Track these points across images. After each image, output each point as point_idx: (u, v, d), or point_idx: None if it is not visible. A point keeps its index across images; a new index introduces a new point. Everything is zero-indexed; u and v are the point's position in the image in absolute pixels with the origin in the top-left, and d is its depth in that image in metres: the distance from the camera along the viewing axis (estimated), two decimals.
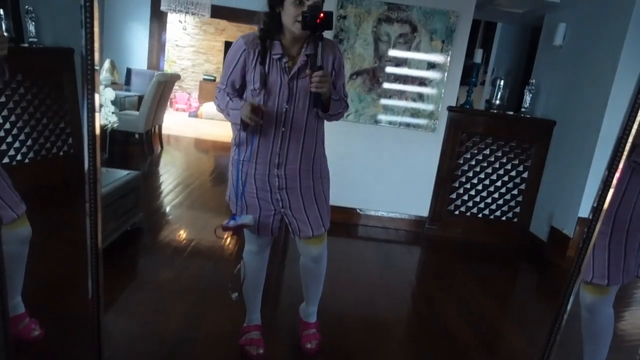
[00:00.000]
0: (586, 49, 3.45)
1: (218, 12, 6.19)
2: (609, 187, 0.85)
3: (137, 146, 5.66)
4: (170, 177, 4.93)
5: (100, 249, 1.24)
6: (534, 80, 3.94)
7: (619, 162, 0.84)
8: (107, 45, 6.55)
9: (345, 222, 3.83)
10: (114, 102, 4.53)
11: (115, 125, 4.59)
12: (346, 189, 3.76)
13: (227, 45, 10.20)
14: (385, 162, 3.81)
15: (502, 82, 3.98)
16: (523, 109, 3.91)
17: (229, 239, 3.13)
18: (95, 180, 1.19)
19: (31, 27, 3.65)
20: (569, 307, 0.89)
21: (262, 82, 1.60)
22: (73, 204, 3.40)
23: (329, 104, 1.64)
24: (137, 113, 5.34)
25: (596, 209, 0.85)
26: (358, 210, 3.91)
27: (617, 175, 0.86)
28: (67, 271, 2.41)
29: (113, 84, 5.73)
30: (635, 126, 0.76)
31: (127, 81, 6.62)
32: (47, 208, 3.27)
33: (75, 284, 2.23)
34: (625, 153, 0.80)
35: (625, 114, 0.78)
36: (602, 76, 3.17)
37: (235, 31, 10.22)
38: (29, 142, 3.61)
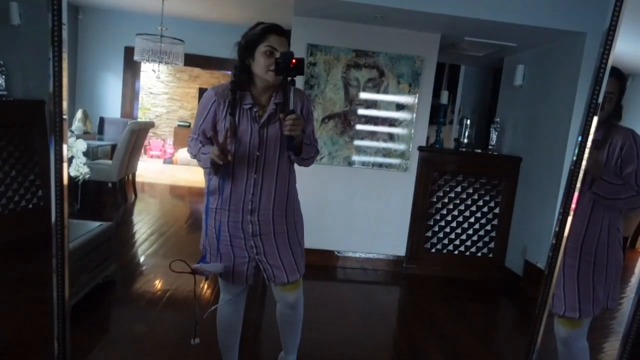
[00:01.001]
0: (545, 88, 3.64)
1: (191, 60, 6.31)
2: (566, 220, 0.89)
3: (110, 195, 5.57)
4: (144, 225, 4.84)
5: (67, 305, 1.21)
6: (498, 119, 4.11)
7: (573, 193, 0.89)
8: (80, 95, 6.55)
9: (323, 264, 3.80)
10: (85, 153, 4.49)
11: (87, 176, 4.53)
12: (323, 231, 3.76)
13: (202, 91, 10.32)
14: (360, 203, 3.85)
15: (468, 121, 4.14)
16: (490, 147, 4.05)
17: (205, 287, 3.06)
18: (62, 232, 1.17)
19: (1, 81, 3.64)
20: (539, 339, 0.91)
21: (233, 131, 1.63)
22: (42, 259, 3.29)
23: (301, 147, 1.68)
24: (110, 162, 5.29)
25: (556, 243, 0.88)
26: (336, 253, 3.90)
27: (573, 205, 0.90)
28: (35, 330, 2.30)
29: (85, 134, 5.69)
30: (585, 156, 0.82)
31: (100, 130, 6.58)
32: (15, 263, 3.15)
33: (44, 343, 2.12)
34: (579, 183, 0.84)
35: (574, 147, 0.83)
36: (561, 113, 3.34)
37: (209, 77, 10.39)
38: None
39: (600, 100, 1.07)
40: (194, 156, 1.74)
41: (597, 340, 2.85)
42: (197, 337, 1.75)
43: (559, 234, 0.91)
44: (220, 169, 1.65)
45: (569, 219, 1.02)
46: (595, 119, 1.12)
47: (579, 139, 1.08)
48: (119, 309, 2.79)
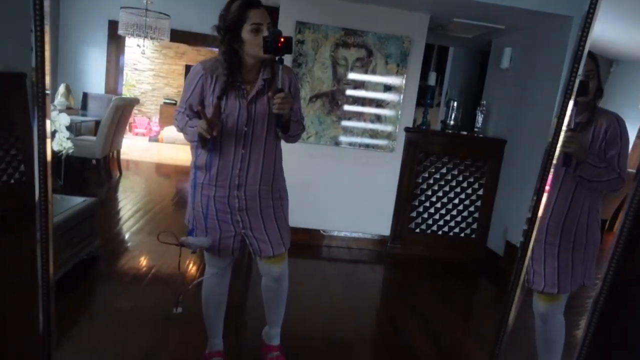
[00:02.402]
0: (530, 71, 3.67)
1: (178, 36, 6.18)
2: (542, 193, 0.91)
3: (94, 172, 5.50)
4: (129, 203, 4.81)
5: (51, 279, 1.21)
6: (484, 102, 4.14)
7: (548, 172, 0.91)
8: (63, 69, 6.40)
9: (308, 243, 3.84)
10: (68, 128, 4.41)
11: (71, 151, 4.46)
12: (309, 210, 3.78)
13: (188, 68, 10.15)
14: (346, 183, 3.87)
15: (455, 104, 4.16)
16: (476, 129, 4.09)
17: (191, 264, 3.07)
18: (46, 208, 1.17)
19: None
20: (512, 312, 0.94)
21: (218, 115, 1.62)
22: (26, 234, 3.26)
23: (289, 125, 1.68)
24: (94, 138, 5.21)
25: (531, 217, 0.91)
26: (321, 231, 3.93)
27: (548, 182, 0.93)
28: (18, 304, 2.30)
29: (68, 109, 5.58)
30: (560, 138, 0.84)
31: (84, 106, 6.46)
32: None
33: (27, 317, 2.12)
34: (554, 162, 0.87)
35: (551, 128, 0.85)
36: (546, 96, 3.37)
37: (196, 55, 10.21)
38: None
39: (577, 81, 1.09)
40: (181, 129, 1.74)
41: (573, 317, 2.94)
42: (180, 307, 1.77)
43: (534, 210, 0.93)
44: (208, 143, 1.65)
45: (544, 197, 1.05)
46: (571, 103, 1.14)
47: (555, 119, 1.10)
48: (104, 285, 2.79)
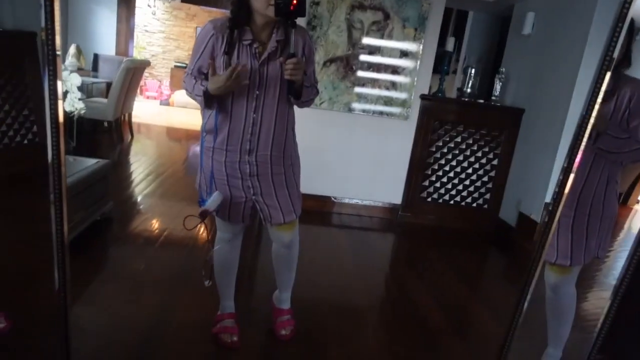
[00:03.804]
0: (553, 38, 3.53)
1: None
2: (570, 172, 0.87)
3: (106, 135, 5.52)
4: (141, 166, 4.83)
5: (66, 239, 1.21)
6: (503, 69, 4.01)
7: (579, 148, 0.87)
8: (73, 30, 6.32)
9: (319, 210, 3.84)
10: (80, 88, 4.39)
11: (82, 112, 4.45)
12: (320, 176, 3.77)
13: (199, 31, 10.00)
14: (359, 150, 3.83)
15: (473, 71, 4.04)
16: (493, 97, 3.98)
17: (202, 229, 3.10)
18: (59, 169, 1.16)
19: None
20: (531, 287, 0.92)
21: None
22: (39, 194, 3.30)
23: (301, 91, 1.63)
24: (105, 100, 5.19)
25: (558, 194, 0.87)
26: (332, 198, 3.92)
27: (577, 161, 0.88)
28: (34, 262, 2.34)
29: (79, 70, 5.54)
30: (594, 114, 0.79)
31: (95, 67, 6.42)
32: (12, 199, 3.16)
33: (42, 275, 2.16)
34: (585, 140, 0.82)
35: (585, 101, 0.81)
36: (569, 65, 3.25)
37: (207, 17, 10.00)
38: None
39: (616, 53, 1.02)
40: (190, 93, 1.68)
41: (582, 290, 2.94)
42: (210, 281, 1.82)
43: (561, 184, 0.90)
44: (213, 103, 1.60)
45: (571, 176, 1.00)
46: (608, 74, 1.07)
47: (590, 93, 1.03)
48: (117, 246, 2.83)
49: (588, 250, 1.77)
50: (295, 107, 1.76)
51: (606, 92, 1.65)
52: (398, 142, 3.82)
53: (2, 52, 3.56)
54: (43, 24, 1.06)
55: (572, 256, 1.75)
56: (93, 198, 2.77)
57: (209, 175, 1.72)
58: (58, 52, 1.09)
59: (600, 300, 2.91)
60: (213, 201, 1.68)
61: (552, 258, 1.78)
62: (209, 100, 1.58)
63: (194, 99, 1.67)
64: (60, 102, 1.14)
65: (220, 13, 9.41)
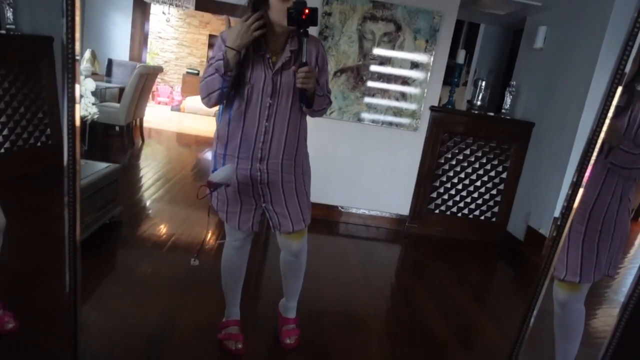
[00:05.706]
0: (565, 53, 3.52)
1: (202, 5, 6.13)
2: (579, 187, 0.87)
3: (117, 139, 5.58)
4: (150, 170, 4.87)
5: (78, 242, 1.23)
6: (514, 82, 4.01)
7: (588, 163, 0.87)
8: (88, 35, 6.42)
9: (326, 219, 3.84)
10: (94, 93, 4.45)
11: (96, 116, 4.52)
12: (328, 186, 3.77)
13: (212, 38, 10.09)
14: (367, 160, 3.84)
15: (483, 83, 4.04)
16: (503, 110, 3.98)
17: (209, 235, 3.12)
18: (74, 173, 1.18)
19: (9, 14, 3.56)
20: (539, 302, 0.92)
21: (246, 77, 1.59)
22: (50, 196, 3.34)
23: (313, 100, 1.65)
24: (118, 105, 5.25)
25: (566, 208, 0.87)
26: (340, 208, 3.93)
27: (587, 175, 0.88)
28: (43, 263, 2.37)
29: (93, 75, 5.62)
30: (604, 128, 0.79)
31: (108, 72, 6.50)
32: (23, 199, 3.20)
33: (52, 276, 2.19)
34: (595, 154, 0.82)
35: (595, 117, 0.81)
36: (580, 79, 3.24)
37: (220, 24, 10.12)
38: (5, 132, 3.52)
39: (628, 68, 1.02)
40: (205, 79, 1.60)
41: (591, 307, 2.90)
42: (197, 260, 1.77)
43: (568, 204, 0.90)
44: (233, 68, 1.55)
45: (580, 191, 1.00)
46: (619, 89, 1.08)
47: (600, 104, 1.03)
48: (125, 250, 2.85)
49: (598, 268, 1.75)
50: (307, 117, 1.77)
51: (619, 107, 1.66)
52: (407, 153, 3.82)
53: (20, 55, 3.63)
54: (64, 29, 1.09)
55: (582, 273, 1.74)
56: (103, 201, 2.80)
57: (224, 143, 1.69)
58: (77, 57, 1.11)
59: (609, 318, 2.87)
60: (219, 174, 1.65)
61: (561, 274, 1.76)
62: (227, 65, 1.54)
63: (212, 88, 1.59)
64: (77, 107, 1.16)
65: (233, 20, 9.51)
